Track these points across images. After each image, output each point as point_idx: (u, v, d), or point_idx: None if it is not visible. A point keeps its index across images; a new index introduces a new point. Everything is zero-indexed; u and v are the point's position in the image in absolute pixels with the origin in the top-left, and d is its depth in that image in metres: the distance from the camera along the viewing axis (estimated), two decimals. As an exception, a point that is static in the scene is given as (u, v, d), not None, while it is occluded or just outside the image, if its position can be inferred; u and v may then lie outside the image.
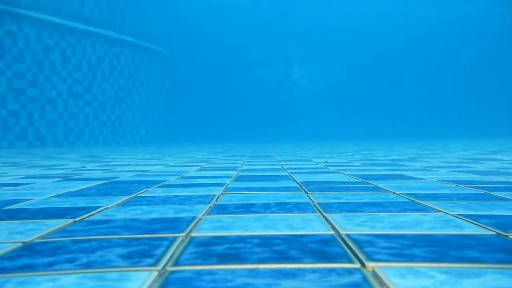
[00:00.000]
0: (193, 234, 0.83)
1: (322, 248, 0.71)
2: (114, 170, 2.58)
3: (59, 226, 0.92)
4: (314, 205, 1.15)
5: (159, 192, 1.47)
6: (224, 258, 0.66)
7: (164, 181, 1.87)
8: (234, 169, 2.52)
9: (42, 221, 0.98)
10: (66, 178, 2.06)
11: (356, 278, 0.56)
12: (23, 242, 0.78)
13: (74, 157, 4.55)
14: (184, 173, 2.26)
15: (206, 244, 0.75)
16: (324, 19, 16.98)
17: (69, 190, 1.56)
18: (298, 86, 18.43)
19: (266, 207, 1.12)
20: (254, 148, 6.89)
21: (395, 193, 1.36)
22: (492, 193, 1.35)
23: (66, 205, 1.22)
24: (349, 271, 0.59)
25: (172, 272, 0.60)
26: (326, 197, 1.30)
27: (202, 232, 0.84)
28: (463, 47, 16.89)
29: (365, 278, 0.56)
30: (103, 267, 0.63)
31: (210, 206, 1.16)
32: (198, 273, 0.59)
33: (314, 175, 2.05)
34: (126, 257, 0.68)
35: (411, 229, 0.85)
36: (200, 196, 1.35)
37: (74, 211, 1.11)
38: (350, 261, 0.63)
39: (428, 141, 11.17)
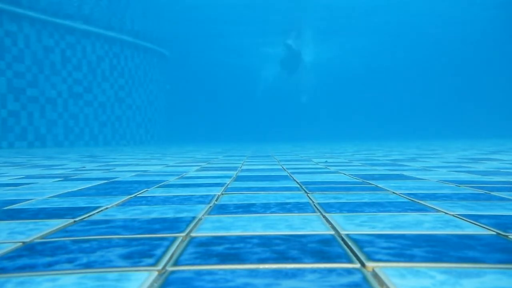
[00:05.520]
0: (193, 234, 0.83)
1: (322, 248, 0.71)
2: (114, 170, 2.58)
3: (59, 226, 0.92)
4: (314, 205, 1.15)
5: (159, 192, 1.47)
6: (224, 258, 0.66)
7: (164, 181, 1.87)
8: (234, 169, 2.52)
9: (42, 221, 0.98)
10: (66, 178, 2.06)
11: (356, 278, 0.56)
12: (23, 242, 0.78)
13: (74, 157, 4.55)
14: (184, 173, 2.26)
15: (206, 244, 0.75)
16: (328, 17, 16.97)
17: (69, 190, 1.56)
18: (302, 67, 18.01)
19: (266, 207, 1.12)
20: (254, 148, 6.89)
21: (395, 193, 1.36)
22: (492, 193, 1.35)
23: (66, 205, 1.22)
24: (349, 271, 0.59)
25: (172, 272, 0.60)
26: (326, 197, 1.30)
27: (202, 232, 0.84)
28: (463, 47, 16.90)
29: (365, 278, 0.56)
30: (103, 267, 0.63)
31: (210, 206, 1.16)
32: (198, 273, 0.59)
33: (314, 175, 2.05)
34: (126, 257, 0.68)
35: (411, 229, 0.85)
36: (200, 196, 1.35)
37: (74, 211, 1.11)
38: (350, 261, 0.63)
39: (428, 141, 11.17)
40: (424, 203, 1.16)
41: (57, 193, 1.48)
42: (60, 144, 9.33)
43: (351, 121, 18.09)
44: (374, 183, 1.67)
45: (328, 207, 1.11)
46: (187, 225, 0.91)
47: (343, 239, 0.77)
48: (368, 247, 0.71)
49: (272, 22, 16.75)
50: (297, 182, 1.72)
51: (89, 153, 5.71)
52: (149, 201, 1.28)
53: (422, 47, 17.59)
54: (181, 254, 0.69)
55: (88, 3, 9.95)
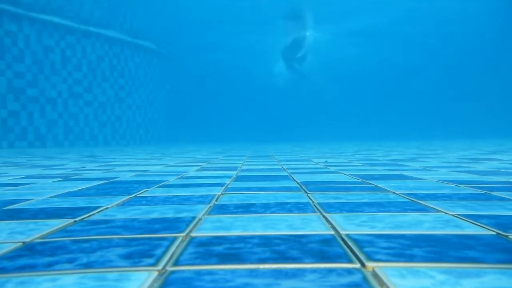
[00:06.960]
0: (193, 234, 0.83)
1: (322, 248, 0.71)
2: (114, 170, 2.58)
3: (59, 226, 0.92)
4: (314, 205, 1.15)
5: (159, 192, 1.47)
6: (224, 258, 0.66)
7: (164, 181, 1.87)
8: (234, 169, 2.52)
9: (42, 221, 0.98)
10: (66, 178, 2.06)
11: (356, 278, 0.56)
12: (23, 242, 0.78)
13: (74, 157, 4.55)
14: (184, 173, 2.26)
15: (206, 244, 0.75)
16: (327, 18, 16.97)
17: (69, 190, 1.56)
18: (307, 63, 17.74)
19: (266, 207, 1.12)
20: (254, 148, 6.89)
21: (395, 193, 1.36)
22: (492, 193, 1.35)
23: (66, 205, 1.22)
24: (349, 271, 0.59)
25: (172, 272, 0.60)
26: (326, 197, 1.30)
27: (202, 232, 0.84)
28: (463, 47, 16.89)
29: (365, 278, 0.56)
30: (103, 267, 0.63)
31: (210, 206, 1.16)
32: (198, 273, 0.59)
33: (314, 175, 2.05)
34: (126, 257, 0.68)
35: (411, 229, 0.85)
36: (200, 196, 1.35)
37: (74, 211, 1.11)
38: (350, 261, 0.63)
39: (428, 141, 11.17)
40: (424, 203, 1.16)
41: (57, 193, 1.48)
42: (60, 144, 9.33)
43: (351, 121, 18.08)
44: (374, 183, 1.67)
45: (328, 207, 1.11)
46: (187, 225, 0.91)
47: (343, 239, 0.77)
48: (368, 247, 0.71)
49: (272, 21, 16.75)
50: (297, 182, 1.72)
51: (89, 153, 5.71)
52: (149, 201, 1.28)
53: (422, 47, 17.59)
54: (181, 254, 0.69)
55: (88, 3, 9.95)
